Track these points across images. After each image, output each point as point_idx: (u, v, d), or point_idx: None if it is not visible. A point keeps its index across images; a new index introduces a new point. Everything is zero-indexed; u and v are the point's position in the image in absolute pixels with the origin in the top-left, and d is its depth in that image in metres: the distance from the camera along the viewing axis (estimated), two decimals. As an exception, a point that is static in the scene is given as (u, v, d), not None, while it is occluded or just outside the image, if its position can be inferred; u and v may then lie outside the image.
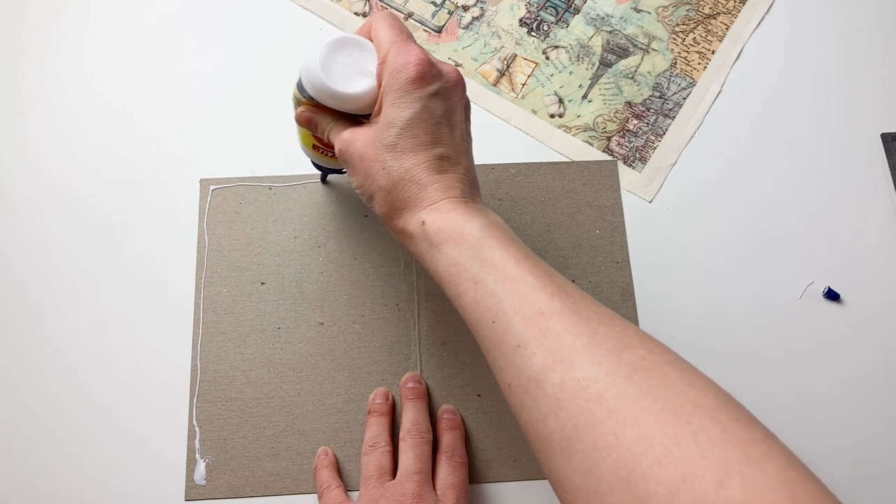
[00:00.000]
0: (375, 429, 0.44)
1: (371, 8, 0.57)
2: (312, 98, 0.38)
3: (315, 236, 0.50)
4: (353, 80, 0.36)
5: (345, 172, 0.46)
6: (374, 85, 0.36)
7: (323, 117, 0.39)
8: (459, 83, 0.36)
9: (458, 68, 0.55)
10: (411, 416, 0.44)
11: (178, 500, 0.44)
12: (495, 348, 0.31)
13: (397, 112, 0.34)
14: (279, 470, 0.45)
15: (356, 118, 0.38)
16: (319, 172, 0.49)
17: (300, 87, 0.38)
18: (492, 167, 0.51)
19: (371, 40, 0.37)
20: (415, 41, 0.36)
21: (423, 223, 0.34)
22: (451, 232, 0.33)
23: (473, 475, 0.45)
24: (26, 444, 0.45)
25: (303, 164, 0.51)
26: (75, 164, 0.51)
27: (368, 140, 0.36)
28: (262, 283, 0.49)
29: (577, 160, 0.52)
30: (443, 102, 0.35)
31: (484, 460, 0.45)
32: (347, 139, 0.37)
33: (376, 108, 0.36)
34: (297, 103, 0.40)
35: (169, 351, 0.47)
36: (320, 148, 0.43)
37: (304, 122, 0.40)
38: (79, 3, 0.56)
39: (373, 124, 0.36)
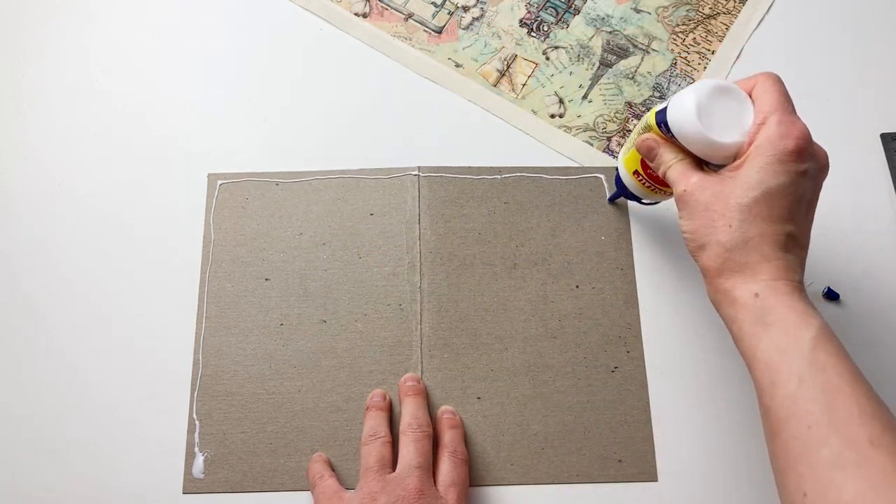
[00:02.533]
0: (375, 421, 0.41)
1: (371, 9, 0.52)
2: (668, 131, 0.35)
3: (320, 233, 0.46)
4: (725, 129, 0.33)
5: (644, 203, 0.44)
6: (744, 142, 0.33)
7: (667, 151, 0.36)
8: (826, 168, 0.34)
9: (458, 69, 0.50)
10: (411, 410, 0.41)
11: (177, 492, 0.41)
12: (801, 453, 0.28)
13: (763, 177, 0.32)
14: (277, 466, 0.41)
15: (701, 162, 0.35)
16: (612, 193, 0.46)
17: (660, 117, 0.36)
18: (498, 169, 0.48)
19: (750, 95, 0.34)
20: (798, 115, 0.33)
21: (756, 295, 0.32)
22: (786, 318, 0.31)
23: (471, 478, 0.41)
24: (27, 435, 0.42)
25: (308, 161, 0.49)
26: (77, 162, 0.49)
27: (720, 193, 0.33)
28: (267, 279, 0.45)
29: (584, 164, 0.49)
30: (809, 183, 0.32)
31: (482, 463, 0.42)
32: (697, 185, 0.34)
33: (736, 163, 0.33)
34: (645, 129, 0.37)
35: (171, 344, 0.44)
36: (641, 176, 0.40)
37: (646, 151, 0.37)
38: (79, 2, 0.54)
39: (725, 177, 0.33)
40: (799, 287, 0.32)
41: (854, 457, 0.27)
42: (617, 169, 0.42)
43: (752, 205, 0.31)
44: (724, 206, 0.32)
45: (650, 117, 0.37)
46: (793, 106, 0.33)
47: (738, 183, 0.32)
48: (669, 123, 0.34)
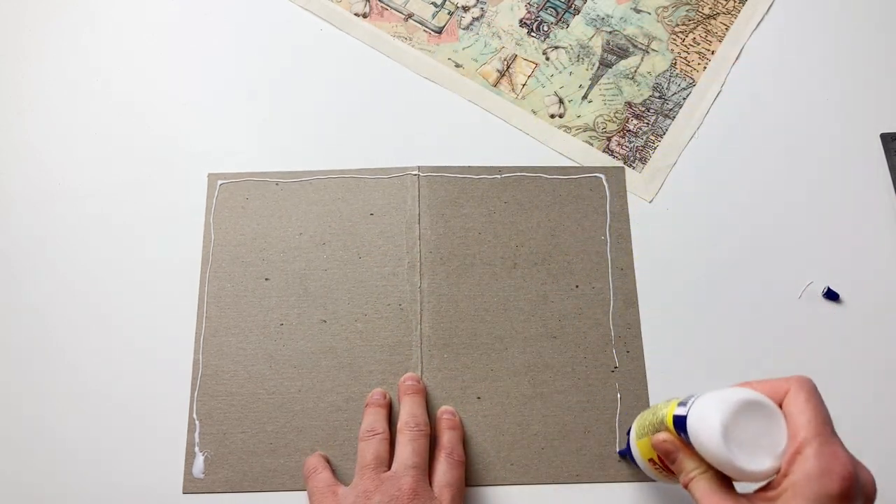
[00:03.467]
0: (373, 417, 0.40)
1: (371, 9, 0.52)
2: (688, 440, 0.31)
3: (320, 233, 0.46)
4: (754, 453, 0.29)
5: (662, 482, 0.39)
6: (778, 467, 0.29)
7: (689, 460, 0.32)
8: (874, 497, 0.29)
9: (458, 69, 0.50)
10: (409, 409, 0.40)
11: (177, 492, 0.41)
12: None
13: None
14: (277, 466, 0.41)
15: (727, 478, 0.31)
16: (622, 449, 0.42)
17: (679, 423, 0.31)
18: (498, 169, 0.47)
19: (781, 404, 0.30)
20: (838, 438, 0.29)
21: None
22: None
23: (471, 477, 0.41)
24: (27, 435, 0.42)
25: (308, 161, 0.48)
26: (77, 162, 0.49)
27: None
28: (267, 279, 0.45)
29: (583, 164, 0.48)
30: None
31: (482, 463, 0.41)
32: None
33: (771, 493, 0.29)
34: (659, 425, 0.34)
35: (172, 344, 0.44)
36: (658, 466, 0.36)
37: (664, 453, 0.33)
38: (79, 2, 0.54)
39: None
40: None
41: None
42: (628, 439, 0.39)
43: None
44: None
45: (668, 418, 0.33)
46: (831, 426, 0.29)
47: None
48: (691, 438, 0.30)
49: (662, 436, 0.33)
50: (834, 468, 0.27)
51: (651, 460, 0.36)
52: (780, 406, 0.30)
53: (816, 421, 0.29)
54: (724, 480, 0.31)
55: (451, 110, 0.50)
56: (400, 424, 0.40)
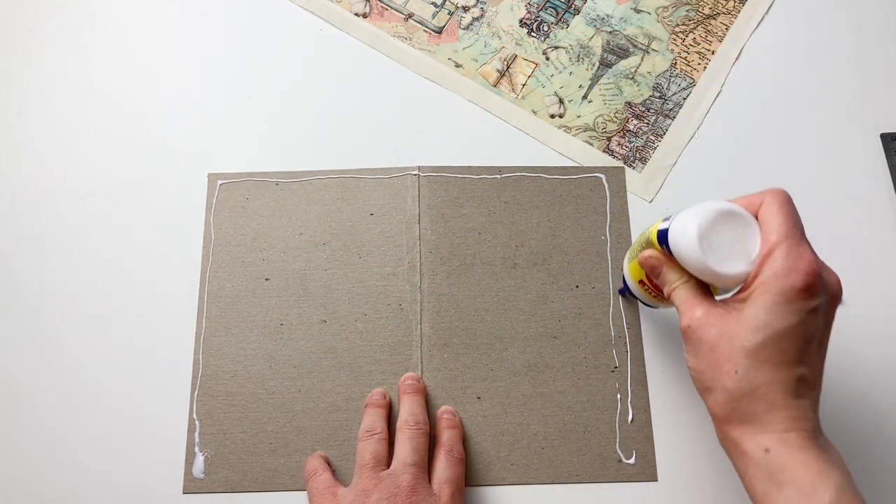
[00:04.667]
0: (373, 417, 0.40)
1: (371, 9, 0.52)
2: (670, 251, 0.33)
3: (320, 233, 0.46)
4: (729, 259, 0.31)
5: (654, 307, 0.41)
6: (749, 271, 0.31)
7: (671, 271, 0.34)
8: (839, 296, 0.31)
9: (458, 69, 0.50)
10: (409, 407, 0.40)
11: (177, 492, 0.41)
12: None
13: (770, 319, 0.29)
14: (277, 466, 0.41)
15: (707, 285, 0.33)
16: (620, 287, 0.44)
17: (662, 237, 0.34)
18: (498, 169, 0.47)
19: (757, 216, 0.32)
20: (807, 241, 0.31)
21: (766, 450, 0.29)
22: (800, 478, 0.28)
23: (471, 477, 0.41)
24: (27, 435, 0.42)
25: (308, 161, 0.48)
26: (77, 162, 0.49)
27: (725, 332, 0.30)
28: (267, 279, 0.45)
29: (583, 164, 0.48)
30: (820, 319, 0.30)
31: (482, 463, 0.41)
32: (701, 321, 0.31)
33: (743, 294, 0.31)
34: (646, 244, 0.36)
35: (172, 344, 0.44)
36: (647, 287, 0.38)
37: (649, 269, 0.35)
38: (79, 2, 0.53)
39: (731, 310, 0.31)
40: (812, 437, 0.29)
41: None
42: (622, 277, 0.41)
43: (759, 349, 0.29)
44: (730, 348, 0.30)
45: (652, 234, 0.35)
46: (801, 230, 0.31)
47: (744, 323, 0.30)
48: (671, 247, 0.33)
49: (648, 252, 0.35)
50: (799, 266, 0.29)
51: (641, 282, 0.39)
52: (756, 217, 0.32)
53: (787, 225, 0.30)
54: (703, 288, 0.33)
55: (451, 110, 0.50)
56: (399, 423, 0.40)
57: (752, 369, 0.29)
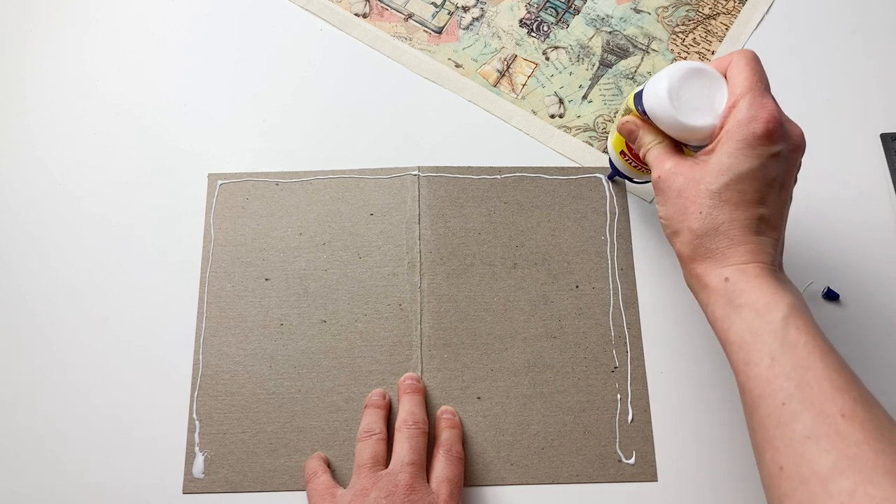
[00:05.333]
0: (371, 418, 0.40)
1: (371, 9, 0.52)
2: (645, 113, 0.35)
3: (320, 233, 0.46)
4: (697, 112, 0.33)
5: (638, 182, 0.45)
6: (717, 124, 0.33)
7: (647, 133, 0.36)
8: (801, 147, 0.33)
9: (458, 69, 0.50)
10: (408, 407, 0.40)
11: (177, 492, 0.41)
12: (776, 428, 0.29)
13: (732, 162, 0.31)
14: (277, 466, 0.41)
15: (679, 144, 0.35)
16: (609, 172, 0.46)
17: (637, 99, 0.36)
18: (498, 169, 0.47)
19: (726, 76, 0.34)
20: (771, 94, 0.32)
21: (726, 279, 0.32)
22: (756, 299, 0.31)
23: (470, 477, 0.41)
24: (27, 436, 0.42)
25: (308, 161, 0.48)
26: (77, 162, 0.49)
27: (692, 178, 0.33)
28: (267, 279, 0.45)
29: (583, 164, 0.48)
30: (781, 165, 0.32)
31: (481, 463, 0.41)
32: (670, 171, 0.34)
33: (709, 146, 0.33)
34: (626, 112, 0.38)
35: (172, 344, 0.44)
36: (627, 157, 0.40)
37: (626, 133, 0.38)
38: (80, 3, 0.53)
39: (699, 161, 0.33)
40: (770, 269, 0.32)
41: (826, 430, 0.27)
42: (608, 149, 0.43)
43: (722, 190, 0.31)
44: (696, 191, 0.32)
45: (629, 100, 0.37)
46: (766, 84, 0.32)
47: (709, 168, 0.32)
48: (645, 107, 0.35)
49: (626, 117, 0.37)
50: (761, 114, 0.31)
51: (622, 153, 0.40)
52: (726, 77, 0.33)
53: (752, 79, 0.32)
54: (676, 146, 0.35)
55: (451, 110, 0.50)
56: (398, 422, 0.40)
57: (714, 209, 0.32)
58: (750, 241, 0.32)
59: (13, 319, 0.44)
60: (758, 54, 0.33)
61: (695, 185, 0.32)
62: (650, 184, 0.45)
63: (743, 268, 0.31)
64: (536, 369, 0.43)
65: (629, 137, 0.37)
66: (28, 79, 0.50)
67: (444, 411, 0.42)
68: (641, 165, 0.40)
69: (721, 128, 0.32)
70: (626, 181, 0.46)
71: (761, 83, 0.32)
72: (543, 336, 0.44)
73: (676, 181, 0.33)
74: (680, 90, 0.33)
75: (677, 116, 0.33)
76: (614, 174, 0.45)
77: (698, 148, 0.34)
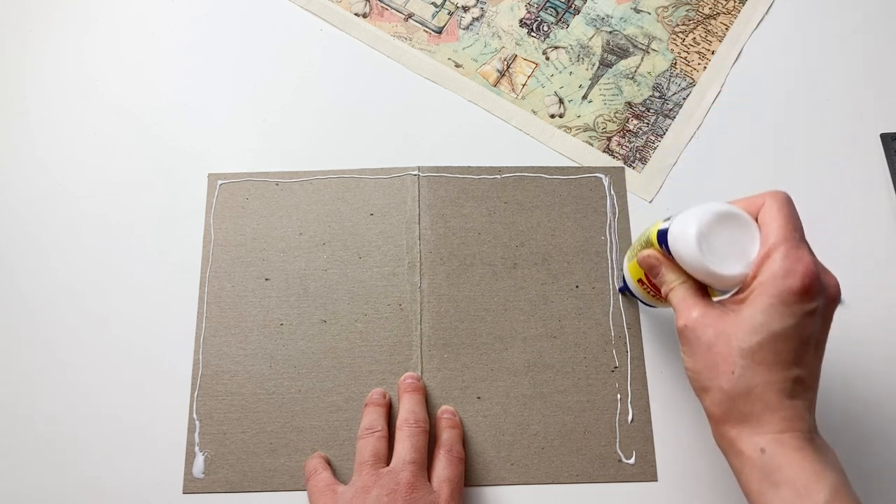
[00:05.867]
0: (372, 416, 0.40)
1: (371, 9, 0.52)
2: (669, 252, 0.33)
3: (320, 233, 0.46)
4: (727, 260, 0.31)
5: (653, 306, 0.42)
6: (748, 273, 0.31)
7: (670, 272, 0.34)
8: (837, 299, 0.31)
9: (458, 69, 0.50)
10: (408, 406, 0.40)
11: (177, 492, 0.41)
12: None
13: (767, 320, 0.29)
14: (277, 466, 0.41)
15: (704, 286, 0.33)
16: (620, 285, 0.44)
17: (661, 236, 0.34)
18: (498, 169, 0.47)
19: (756, 218, 0.32)
20: (806, 243, 0.31)
21: (762, 451, 0.30)
22: (796, 478, 0.29)
23: (471, 477, 0.41)
24: (27, 436, 0.42)
25: (308, 161, 0.48)
26: (77, 162, 0.49)
27: (722, 332, 0.30)
28: (267, 279, 0.45)
29: (583, 164, 0.48)
30: (817, 321, 0.30)
31: (482, 463, 0.41)
32: (698, 321, 0.31)
33: (741, 296, 0.31)
34: (646, 243, 0.36)
35: (172, 344, 0.44)
36: (646, 286, 0.38)
37: (647, 268, 0.36)
38: (80, 3, 0.53)
39: (728, 311, 0.31)
40: (808, 437, 0.30)
41: None
42: (622, 276, 0.41)
43: (756, 350, 0.29)
44: (727, 348, 0.30)
45: (653, 234, 0.35)
46: (801, 233, 0.31)
47: (742, 324, 0.30)
48: (670, 248, 0.33)
49: (647, 251, 0.35)
50: (797, 268, 0.29)
51: (640, 281, 0.38)
52: (756, 218, 0.32)
53: (787, 227, 0.30)
54: (701, 289, 0.33)
55: (451, 110, 0.50)
56: (399, 421, 0.40)
57: (748, 370, 0.29)
58: (785, 407, 0.29)
59: (13, 320, 0.44)
60: (791, 198, 0.32)
61: (726, 341, 0.30)
62: (645, 175, 0.45)
63: (780, 438, 0.29)
64: (536, 369, 0.43)
65: (650, 272, 0.35)
66: (28, 79, 0.51)
67: (444, 411, 0.42)
68: (661, 296, 0.37)
69: (753, 277, 0.30)
70: (641, 304, 0.44)
71: (797, 232, 0.30)
72: (543, 336, 0.44)
73: (706, 333, 0.31)
74: (710, 235, 0.31)
75: (707, 264, 0.31)
76: (625, 289, 0.43)
77: (724, 291, 0.33)
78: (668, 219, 0.34)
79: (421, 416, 0.40)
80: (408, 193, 0.47)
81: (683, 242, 0.32)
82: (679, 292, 0.33)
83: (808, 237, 0.46)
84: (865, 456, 0.42)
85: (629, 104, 0.50)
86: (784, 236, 0.30)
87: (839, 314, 0.44)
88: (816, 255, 0.46)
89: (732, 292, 0.32)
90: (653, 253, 0.35)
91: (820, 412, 0.42)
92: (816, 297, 0.29)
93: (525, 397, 0.42)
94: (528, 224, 0.46)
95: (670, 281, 0.34)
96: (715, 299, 0.33)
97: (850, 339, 0.44)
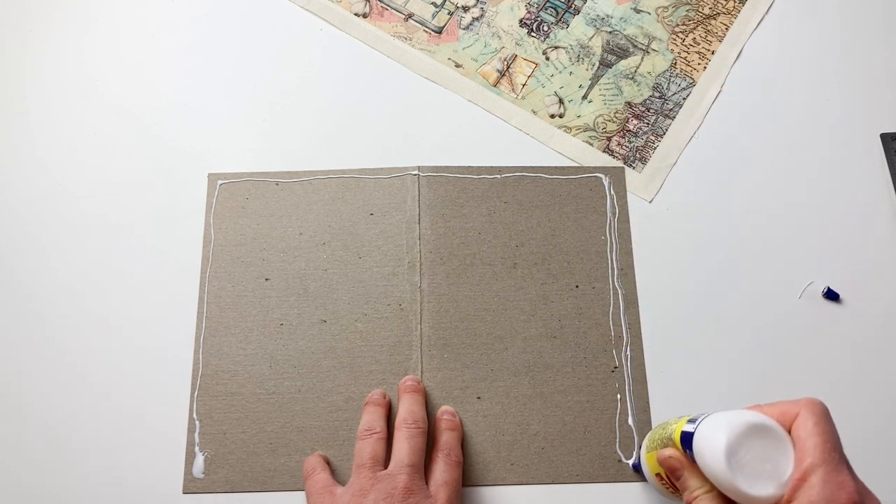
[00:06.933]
0: (372, 416, 0.40)
1: (371, 9, 0.52)
2: (693, 456, 0.31)
3: (320, 233, 0.46)
4: (758, 479, 0.28)
5: (671, 500, 0.39)
6: (781, 494, 0.28)
7: (693, 478, 0.31)
8: None
9: (458, 69, 0.50)
10: (407, 406, 0.40)
11: (177, 492, 0.41)
12: None
13: None
14: (277, 466, 0.41)
15: (730, 501, 0.30)
16: (634, 463, 0.42)
17: (686, 440, 0.31)
18: (498, 169, 0.47)
19: (790, 429, 0.29)
20: (846, 464, 0.28)
21: None
22: None
23: (471, 478, 0.41)
24: (27, 435, 0.42)
25: (308, 161, 0.49)
26: (77, 162, 0.49)
27: None
28: (266, 279, 0.45)
29: (583, 164, 0.48)
30: None
31: (481, 463, 0.41)
32: None
33: None
34: (666, 441, 0.34)
35: (172, 345, 0.44)
36: (665, 482, 0.35)
37: (669, 469, 0.33)
38: (80, 3, 0.53)
39: None
40: None
41: None
42: (638, 455, 0.40)
43: None
44: None
45: (676, 434, 0.33)
46: (840, 452, 0.28)
47: None
48: (696, 457, 0.30)
49: (668, 451, 0.33)
50: (839, 498, 0.26)
51: (658, 475, 0.36)
52: (790, 430, 0.29)
53: (824, 447, 0.28)
54: (727, 501, 0.30)
55: (451, 110, 0.50)
56: (398, 421, 0.39)
57: None
58: None
59: (13, 320, 0.44)
60: (827, 406, 0.29)
61: None
62: (645, 175, 0.45)
63: None
64: (536, 369, 0.43)
65: (672, 474, 0.33)
66: (28, 79, 0.50)
67: (444, 412, 0.41)
68: (679, 494, 0.34)
69: (788, 502, 0.27)
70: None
71: (836, 452, 0.28)
72: (543, 336, 0.44)
73: None
74: (739, 450, 0.28)
75: (736, 483, 0.28)
76: (639, 469, 0.41)
77: None
78: (694, 419, 0.32)
79: (420, 416, 0.40)
80: (408, 193, 0.47)
81: (711, 454, 0.29)
82: (703, 502, 0.31)
83: (808, 237, 0.46)
84: (864, 455, 0.41)
85: (629, 104, 0.50)
86: (822, 457, 0.27)
87: (838, 312, 0.45)
88: (816, 255, 0.46)
89: None
90: (675, 454, 0.32)
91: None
92: None
93: (525, 397, 0.42)
94: (528, 224, 0.46)
95: (694, 488, 0.31)
96: None
97: (849, 338, 0.44)
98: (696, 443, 0.30)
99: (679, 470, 0.32)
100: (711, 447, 0.29)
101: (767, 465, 0.28)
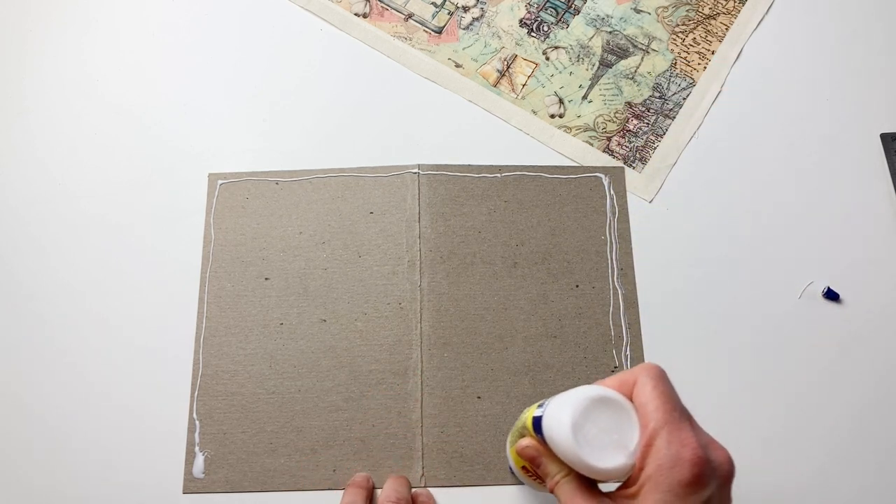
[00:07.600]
0: (352, 497, 0.39)
1: (371, 9, 0.52)
2: (546, 441, 0.30)
3: (320, 233, 0.46)
4: (607, 452, 0.28)
5: (544, 492, 0.38)
6: (632, 464, 0.28)
7: (551, 464, 0.31)
8: (731, 475, 0.29)
9: (458, 69, 0.50)
10: (393, 485, 0.39)
11: (177, 492, 0.41)
12: None
13: None
14: (277, 466, 0.41)
15: (591, 479, 0.30)
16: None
17: (536, 425, 0.31)
18: (499, 168, 0.47)
19: (631, 395, 0.29)
20: (688, 419, 0.28)
21: None
22: None
23: (471, 477, 0.41)
24: (28, 435, 0.42)
25: (308, 160, 0.49)
26: (77, 162, 0.49)
27: None
28: (266, 279, 0.45)
29: (583, 164, 0.48)
30: None
31: (481, 463, 0.41)
32: None
33: (629, 491, 0.29)
34: (523, 431, 0.33)
35: (172, 345, 0.44)
36: (531, 473, 0.34)
37: (528, 460, 0.32)
38: (80, 3, 0.53)
39: None
40: None
41: None
42: (506, 452, 0.39)
43: None
44: None
45: (527, 421, 0.32)
46: (680, 409, 0.28)
47: None
48: (547, 440, 0.30)
49: (525, 441, 0.32)
50: (683, 455, 0.27)
51: (524, 469, 0.35)
52: (632, 399, 0.29)
53: (665, 408, 0.28)
54: (588, 482, 0.30)
55: (451, 110, 0.50)
56: (381, 498, 0.39)
57: None
58: None
59: (13, 320, 0.44)
60: (663, 368, 0.29)
61: None
62: (645, 175, 0.45)
63: None
64: (536, 369, 0.43)
65: (531, 463, 0.32)
66: (28, 79, 0.50)
67: (420, 493, 0.40)
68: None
69: (640, 469, 0.28)
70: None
71: (676, 411, 0.28)
72: (543, 336, 0.44)
73: None
74: (585, 425, 0.28)
75: (585, 458, 0.28)
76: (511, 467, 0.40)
77: (610, 481, 0.30)
78: (542, 404, 0.31)
79: (403, 496, 0.39)
80: (408, 192, 0.47)
81: (559, 434, 0.29)
82: (565, 488, 0.30)
83: (808, 237, 0.46)
84: (864, 455, 0.42)
85: (629, 104, 0.50)
86: (663, 418, 0.28)
87: (838, 312, 0.45)
88: (816, 255, 0.46)
89: (624, 490, 0.29)
90: (531, 443, 0.32)
91: (819, 412, 0.43)
92: (708, 482, 0.27)
93: (525, 397, 0.42)
94: (528, 223, 0.46)
95: (553, 474, 0.31)
96: (604, 489, 0.31)
97: (849, 338, 0.44)
98: (545, 426, 0.30)
99: (537, 458, 0.32)
100: (559, 427, 0.29)
101: (615, 435, 0.28)
